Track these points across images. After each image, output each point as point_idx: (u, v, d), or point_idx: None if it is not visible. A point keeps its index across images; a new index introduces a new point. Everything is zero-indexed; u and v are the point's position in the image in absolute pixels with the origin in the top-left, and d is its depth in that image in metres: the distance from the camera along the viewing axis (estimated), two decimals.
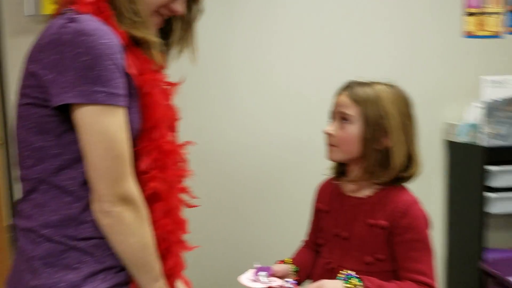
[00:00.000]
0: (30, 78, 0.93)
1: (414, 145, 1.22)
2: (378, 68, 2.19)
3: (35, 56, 0.92)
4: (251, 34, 2.17)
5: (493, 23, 2.29)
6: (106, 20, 0.93)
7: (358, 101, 1.19)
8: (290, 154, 2.23)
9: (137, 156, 0.98)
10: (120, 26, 0.95)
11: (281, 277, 1.26)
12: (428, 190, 2.32)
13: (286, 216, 2.24)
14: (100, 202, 0.91)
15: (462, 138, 2.19)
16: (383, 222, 1.18)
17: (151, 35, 0.99)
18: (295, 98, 2.21)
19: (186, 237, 1.10)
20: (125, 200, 0.91)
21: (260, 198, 2.24)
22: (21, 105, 0.95)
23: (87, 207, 0.94)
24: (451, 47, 2.28)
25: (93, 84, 0.87)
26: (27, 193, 0.97)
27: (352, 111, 1.20)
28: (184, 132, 1.11)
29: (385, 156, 1.19)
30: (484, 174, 2.04)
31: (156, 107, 0.99)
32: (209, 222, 2.15)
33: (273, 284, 1.21)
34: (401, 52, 2.25)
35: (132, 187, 0.93)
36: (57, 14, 0.97)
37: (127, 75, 0.94)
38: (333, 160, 1.28)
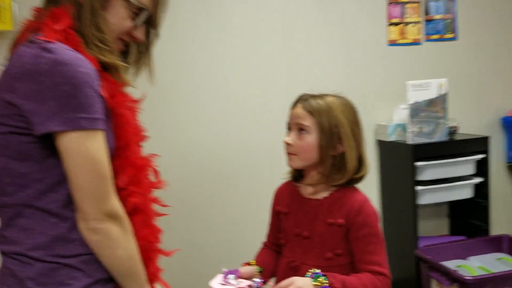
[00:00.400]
0: (7, 107, 0.94)
1: (363, 149, 1.35)
2: (318, 76, 2.37)
3: (10, 85, 0.94)
4: (212, 48, 2.25)
5: (414, 32, 2.53)
6: (75, 47, 0.96)
7: (312, 112, 1.28)
8: (249, 159, 2.33)
9: (113, 173, 1.03)
10: (89, 52, 0.99)
11: (248, 278, 1.33)
12: (365, 187, 2.49)
13: (247, 219, 2.32)
14: (87, 221, 0.96)
15: (392, 137, 2.39)
16: (340, 220, 1.27)
17: (117, 60, 1.04)
18: (252, 107, 2.32)
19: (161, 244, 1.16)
20: (111, 216, 0.97)
21: (222, 204, 2.32)
22: None
23: (73, 226, 0.97)
24: (378, 54, 2.48)
25: (76, 111, 0.91)
26: (11, 219, 0.99)
27: (308, 122, 1.29)
28: (150, 143, 1.17)
29: (339, 160, 1.29)
30: (413, 169, 2.24)
31: (127, 127, 1.05)
32: (175, 229, 2.18)
33: (242, 285, 1.28)
34: (337, 62, 2.42)
35: (116, 204, 0.98)
36: (23, 39, 0.99)
37: (101, 98, 0.98)
38: (293, 167, 1.36)
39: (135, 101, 1.12)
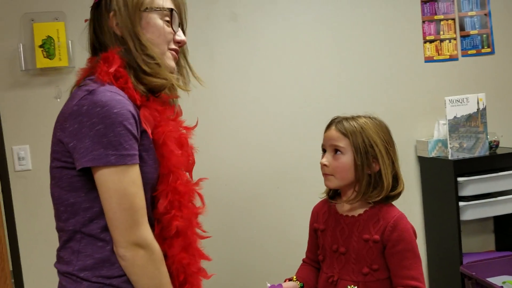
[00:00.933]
0: (58, 144, 1.07)
1: (398, 167, 1.40)
2: (357, 95, 2.42)
3: (61, 124, 1.06)
4: (244, 70, 2.34)
5: (450, 48, 2.55)
6: (124, 84, 1.08)
7: (347, 134, 1.36)
8: (286, 180, 2.39)
9: (156, 199, 1.13)
10: (138, 84, 1.10)
11: None
12: (407, 203, 2.51)
13: (288, 237, 2.38)
14: (116, 248, 1.05)
15: (433, 153, 2.40)
16: (376, 236, 1.33)
17: (168, 74, 1.13)
18: (288, 129, 2.39)
19: (205, 265, 1.23)
20: (138, 245, 1.04)
21: (262, 225, 2.39)
22: (54, 168, 1.10)
23: None
24: (415, 71, 2.51)
25: (105, 148, 1.00)
26: (65, 242, 1.11)
27: (343, 143, 1.36)
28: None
29: (375, 178, 1.36)
30: (456, 185, 2.24)
31: (171, 156, 1.12)
32: (217, 251, 2.25)
33: None
34: (375, 80, 2.46)
35: (144, 233, 1.05)
36: (79, 83, 1.12)
37: (144, 132, 1.07)
38: (330, 187, 1.43)
39: (186, 127, 1.21)
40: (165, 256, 1.11)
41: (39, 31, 2.09)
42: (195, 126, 1.25)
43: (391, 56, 2.48)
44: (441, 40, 2.53)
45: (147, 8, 1.13)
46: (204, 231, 1.25)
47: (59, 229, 1.13)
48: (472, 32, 2.56)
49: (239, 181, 2.36)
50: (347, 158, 1.36)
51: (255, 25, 2.35)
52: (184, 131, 1.21)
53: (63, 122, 1.05)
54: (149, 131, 1.08)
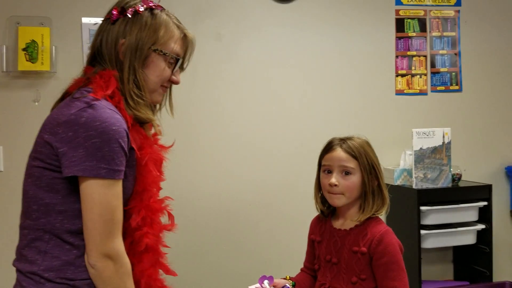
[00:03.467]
0: (45, 146, 1.09)
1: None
2: (330, 121, 2.51)
3: (52, 129, 1.09)
4: (227, 88, 2.42)
5: (420, 83, 2.67)
6: (117, 104, 1.13)
7: (355, 155, 1.46)
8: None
9: (128, 214, 1.17)
10: (127, 109, 1.14)
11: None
12: None
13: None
14: (88, 256, 1.08)
15: (398, 181, 2.49)
16: (363, 249, 1.43)
17: (150, 115, 1.20)
18: (267, 149, 2.47)
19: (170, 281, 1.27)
20: (109, 257, 1.08)
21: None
22: (34, 166, 1.11)
23: (81, 254, 1.10)
24: (386, 103, 2.62)
25: (98, 161, 1.05)
26: (31, 241, 1.11)
27: (352, 164, 1.46)
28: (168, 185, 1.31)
29: (377, 193, 1.48)
30: (418, 213, 2.33)
31: (148, 174, 1.18)
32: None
33: None
34: (348, 108, 2.57)
35: (117, 246, 1.09)
36: (71, 91, 1.16)
37: (131, 150, 1.12)
38: (338, 205, 1.51)
39: (163, 147, 1.27)
40: (133, 270, 1.15)
41: (24, 34, 2.12)
42: (171, 146, 1.30)
43: (364, 87, 2.59)
44: (412, 75, 2.66)
45: (157, 49, 1.18)
46: (167, 247, 1.28)
47: (25, 227, 1.14)
48: (442, 69, 2.70)
49: (213, 201, 2.41)
50: (356, 178, 1.46)
51: (239, 45, 2.43)
52: (163, 152, 1.26)
53: (55, 127, 1.08)
54: (137, 151, 1.14)
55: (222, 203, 2.42)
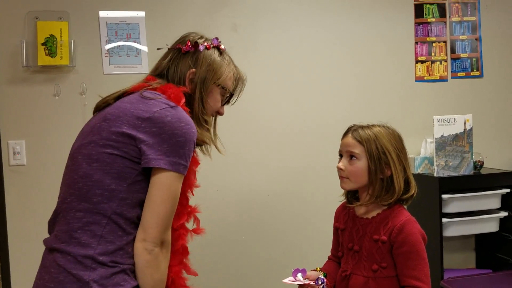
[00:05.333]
0: (123, 136, 1.17)
1: (409, 172, 1.51)
2: (351, 110, 2.49)
3: (133, 122, 1.18)
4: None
5: (440, 69, 2.63)
6: (189, 113, 1.25)
7: (361, 141, 1.47)
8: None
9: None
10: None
11: (313, 279, 1.53)
12: None
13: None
14: (146, 242, 1.15)
15: (419, 170, 2.47)
16: (384, 237, 1.44)
17: (212, 138, 1.37)
18: (288, 137, 2.47)
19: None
20: (163, 243, 1.18)
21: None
22: (105, 153, 1.17)
23: (131, 241, 1.17)
24: (406, 90, 2.59)
25: (180, 158, 1.17)
26: (86, 223, 1.15)
27: (358, 149, 1.48)
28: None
29: (387, 183, 1.47)
30: (440, 202, 2.31)
31: (188, 179, 1.26)
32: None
33: (310, 282, 1.50)
34: (368, 96, 2.55)
35: (169, 235, 1.20)
36: (131, 91, 1.27)
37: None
38: (345, 189, 1.55)
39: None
40: None
41: (42, 29, 2.14)
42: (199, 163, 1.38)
43: (383, 74, 2.56)
44: (432, 61, 2.62)
45: (219, 84, 1.37)
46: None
47: (79, 209, 1.15)
48: (462, 55, 2.65)
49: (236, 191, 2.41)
50: (361, 164, 1.47)
51: (255, 36, 2.42)
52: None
53: (136, 121, 1.17)
54: (196, 155, 1.29)
55: (244, 194, 2.42)
